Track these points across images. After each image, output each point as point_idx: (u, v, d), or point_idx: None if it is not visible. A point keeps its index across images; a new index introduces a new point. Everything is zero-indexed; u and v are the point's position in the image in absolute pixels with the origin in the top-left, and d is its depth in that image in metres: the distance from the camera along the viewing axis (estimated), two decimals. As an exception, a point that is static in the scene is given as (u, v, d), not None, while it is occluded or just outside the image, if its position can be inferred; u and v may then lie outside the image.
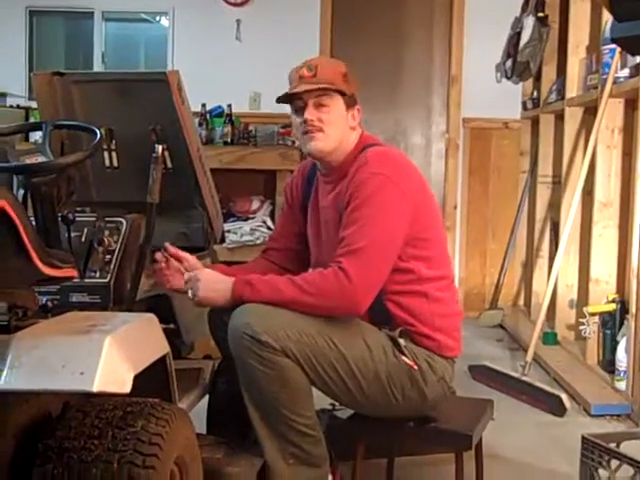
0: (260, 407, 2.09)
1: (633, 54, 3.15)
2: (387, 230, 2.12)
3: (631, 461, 2.22)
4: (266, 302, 2.07)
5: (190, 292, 2.17)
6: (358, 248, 2.08)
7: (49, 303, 1.95)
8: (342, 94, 2.24)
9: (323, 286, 2.07)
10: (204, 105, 5.15)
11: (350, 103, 2.27)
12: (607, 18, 3.85)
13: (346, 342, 2.11)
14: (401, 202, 2.15)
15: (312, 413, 2.12)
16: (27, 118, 5.30)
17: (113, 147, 2.48)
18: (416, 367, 2.17)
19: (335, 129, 2.24)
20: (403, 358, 2.16)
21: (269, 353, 2.02)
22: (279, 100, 2.28)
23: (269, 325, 2.03)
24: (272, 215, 5.25)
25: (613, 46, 3.72)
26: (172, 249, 2.33)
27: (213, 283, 2.16)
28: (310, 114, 2.22)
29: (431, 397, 2.21)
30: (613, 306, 3.81)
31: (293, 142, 5.17)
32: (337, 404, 2.46)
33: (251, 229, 5.14)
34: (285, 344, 2.03)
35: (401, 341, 2.17)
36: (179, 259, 2.32)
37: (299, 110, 2.25)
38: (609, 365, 3.71)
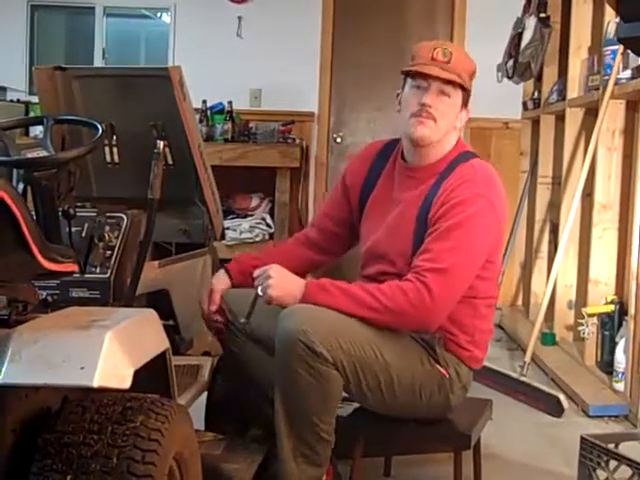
0: (290, 409, 2.03)
1: (639, 54, 3.14)
2: (477, 255, 2.12)
3: (630, 462, 2.23)
4: (339, 310, 2.02)
5: (260, 289, 2.09)
6: (445, 268, 2.04)
7: (49, 298, 1.95)
8: (463, 90, 2.20)
9: (403, 301, 2.02)
10: (205, 102, 5.15)
11: (465, 102, 2.23)
12: (609, 19, 3.85)
13: (392, 353, 2.08)
14: (496, 229, 2.17)
15: (334, 419, 2.07)
16: (27, 112, 5.30)
17: (114, 142, 2.48)
18: (447, 375, 2.17)
19: (446, 122, 2.18)
20: (437, 366, 2.15)
21: (320, 365, 1.97)
22: (404, 71, 2.23)
23: (324, 334, 1.97)
24: (271, 212, 5.25)
25: (615, 47, 3.72)
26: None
27: (285, 282, 2.08)
28: (431, 100, 2.16)
29: (454, 404, 2.22)
30: (612, 307, 3.80)
31: (293, 139, 5.16)
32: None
33: (250, 226, 5.15)
34: (337, 355, 1.98)
35: (437, 349, 2.15)
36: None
37: (420, 89, 2.18)
38: (607, 366, 3.71)
